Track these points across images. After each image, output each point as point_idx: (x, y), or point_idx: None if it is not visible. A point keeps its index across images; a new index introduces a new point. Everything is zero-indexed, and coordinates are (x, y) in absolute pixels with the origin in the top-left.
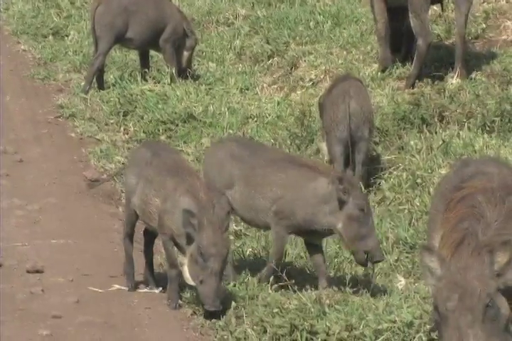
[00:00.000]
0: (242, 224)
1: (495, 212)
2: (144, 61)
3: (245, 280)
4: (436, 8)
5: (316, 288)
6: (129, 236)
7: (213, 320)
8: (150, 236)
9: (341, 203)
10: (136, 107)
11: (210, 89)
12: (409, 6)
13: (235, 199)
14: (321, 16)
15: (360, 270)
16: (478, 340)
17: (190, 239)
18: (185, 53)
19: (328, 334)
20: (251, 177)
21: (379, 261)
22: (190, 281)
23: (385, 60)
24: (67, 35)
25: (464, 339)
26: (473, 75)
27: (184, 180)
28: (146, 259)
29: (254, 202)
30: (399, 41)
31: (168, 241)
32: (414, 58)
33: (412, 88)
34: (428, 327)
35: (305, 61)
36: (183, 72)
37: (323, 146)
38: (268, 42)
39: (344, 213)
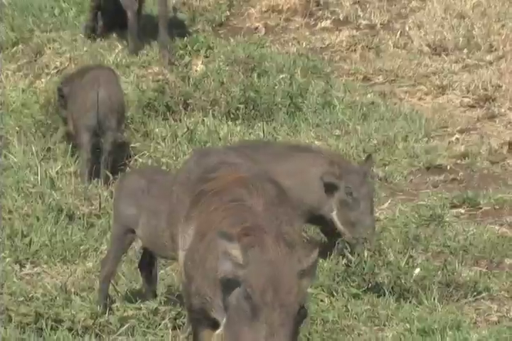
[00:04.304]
0: None
1: (260, 202)
2: None
3: None
4: None
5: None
6: None
7: None
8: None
9: None
10: None
11: None
12: None
13: None
14: (66, 3)
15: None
16: (287, 339)
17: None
18: None
19: (73, 322)
20: None
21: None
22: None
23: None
24: None
25: (275, 335)
26: (217, 63)
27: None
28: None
29: None
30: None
31: None
32: (128, 31)
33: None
34: (173, 313)
35: (50, 48)
36: None
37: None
38: (13, 30)
39: None
